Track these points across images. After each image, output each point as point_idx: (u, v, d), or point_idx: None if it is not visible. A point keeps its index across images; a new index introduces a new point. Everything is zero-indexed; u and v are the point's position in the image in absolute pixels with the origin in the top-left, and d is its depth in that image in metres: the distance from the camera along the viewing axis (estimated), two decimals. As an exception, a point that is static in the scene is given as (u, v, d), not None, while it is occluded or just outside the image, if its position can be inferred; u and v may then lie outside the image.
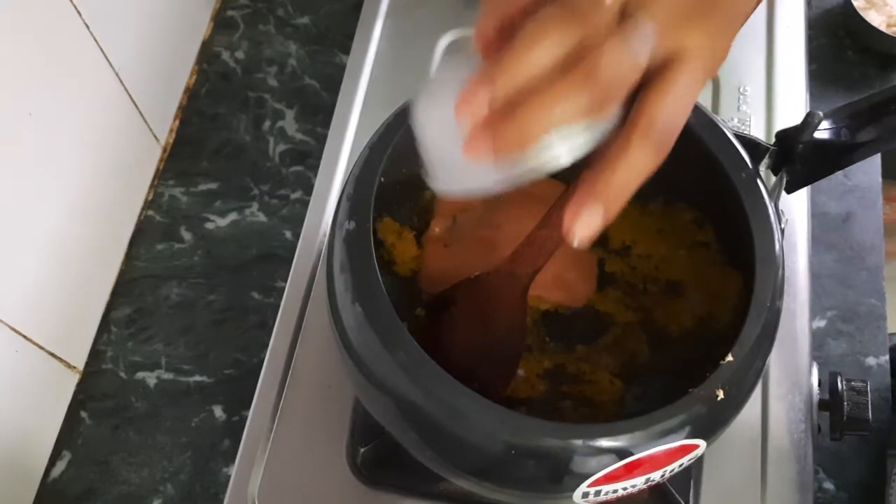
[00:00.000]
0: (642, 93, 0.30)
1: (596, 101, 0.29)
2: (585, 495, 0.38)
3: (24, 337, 0.54)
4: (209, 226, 0.66)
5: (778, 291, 0.41)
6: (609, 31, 0.29)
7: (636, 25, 0.29)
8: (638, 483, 0.39)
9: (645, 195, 0.51)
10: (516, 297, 0.45)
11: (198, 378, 0.61)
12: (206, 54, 0.74)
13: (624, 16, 0.30)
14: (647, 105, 0.30)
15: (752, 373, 0.40)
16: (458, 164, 0.32)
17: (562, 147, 0.31)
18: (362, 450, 0.51)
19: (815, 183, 0.49)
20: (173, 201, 0.67)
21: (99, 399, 0.61)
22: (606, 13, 0.29)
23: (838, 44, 0.72)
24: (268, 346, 0.55)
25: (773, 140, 0.47)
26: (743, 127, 0.62)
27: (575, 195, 0.30)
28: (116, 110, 0.62)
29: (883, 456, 0.57)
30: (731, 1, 0.31)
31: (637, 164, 0.30)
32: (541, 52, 0.29)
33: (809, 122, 0.44)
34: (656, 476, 0.39)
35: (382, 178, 0.43)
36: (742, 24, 0.33)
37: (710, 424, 0.39)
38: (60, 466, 0.59)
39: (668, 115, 0.30)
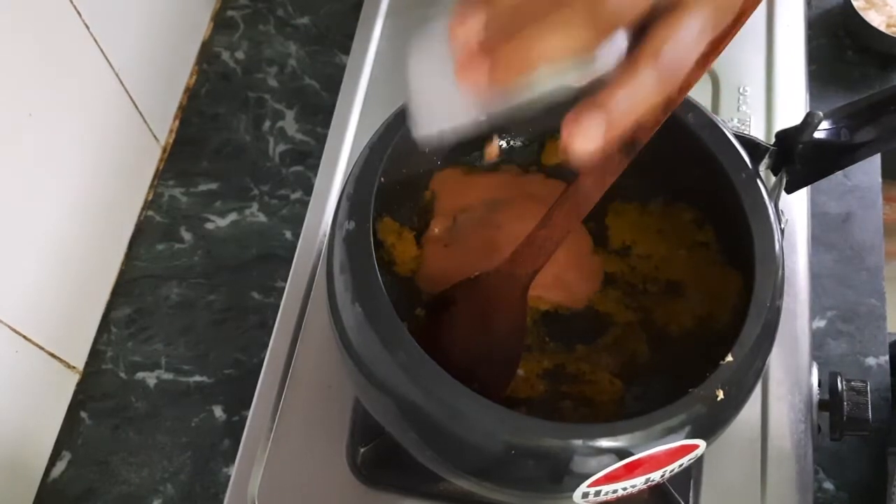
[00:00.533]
0: (653, 24, 0.29)
1: (600, 26, 0.28)
2: (585, 495, 0.38)
3: (24, 337, 0.54)
4: (209, 226, 0.66)
5: (778, 291, 0.41)
6: None
7: None
8: (638, 483, 0.39)
9: (645, 195, 0.51)
10: (516, 298, 0.45)
11: (198, 378, 0.61)
12: (206, 54, 0.74)
13: None
14: (656, 33, 0.29)
15: (752, 373, 0.40)
16: (444, 101, 0.30)
17: (556, 78, 0.29)
18: (362, 450, 0.51)
19: (815, 183, 0.49)
20: (173, 201, 0.67)
21: (99, 399, 0.61)
22: None
23: (838, 44, 0.72)
24: (268, 346, 0.55)
25: (772, 140, 0.47)
26: (743, 127, 0.62)
27: (578, 105, 0.29)
28: (116, 110, 0.62)
29: (883, 456, 0.57)
30: None
31: (642, 88, 0.29)
32: None
33: (809, 122, 0.44)
34: (656, 476, 0.39)
35: (382, 178, 0.43)
36: None
37: (710, 424, 0.39)
38: (60, 466, 0.59)
39: (675, 45, 0.29)
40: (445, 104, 0.30)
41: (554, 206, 0.41)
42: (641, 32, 0.30)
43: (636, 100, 0.29)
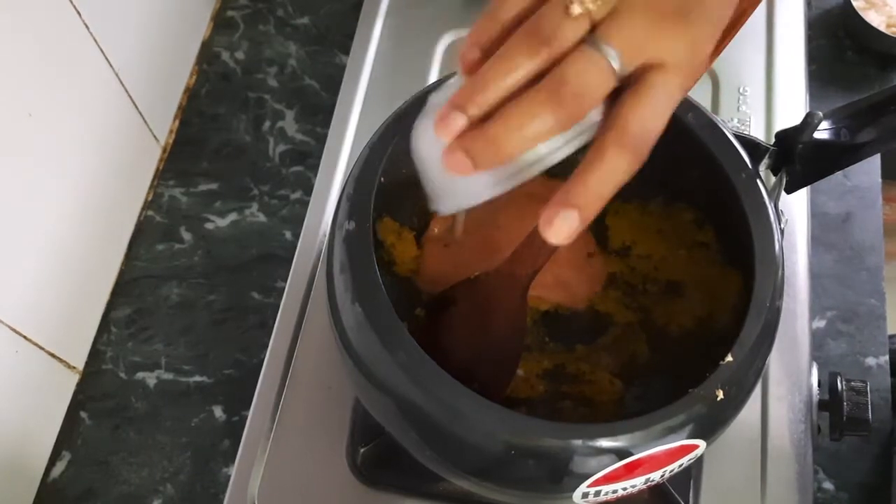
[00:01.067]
0: (618, 100, 0.31)
1: (566, 112, 0.30)
2: (585, 495, 0.38)
3: (24, 337, 0.54)
4: (209, 226, 0.66)
5: (778, 291, 0.41)
6: (576, 45, 0.30)
7: (600, 37, 0.30)
8: (638, 483, 0.39)
9: (645, 195, 0.51)
10: (516, 298, 0.45)
11: (198, 378, 0.61)
12: (206, 54, 0.74)
13: (594, 30, 0.30)
14: (621, 111, 0.30)
15: (752, 373, 0.40)
16: (453, 182, 0.33)
17: (542, 152, 0.32)
18: (362, 450, 0.51)
19: (815, 183, 0.49)
20: (173, 201, 0.67)
21: (99, 399, 0.61)
22: (574, 29, 0.30)
23: (838, 44, 0.72)
24: (268, 346, 0.55)
25: (772, 140, 0.47)
26: (743, 127, 0.62)
27: (551, 200, 0.31)
28: (116, 110, 0.62)
29: (883, 455, 0.57)
30: (707, 8, 0.31)
31: (612, 169, 0.30)
32: (509, 71, 0.30)
33: (809, 123, 0.44)
34: (656, 476, 0.39)
35: (382, 178, 0.43)
36: (719, 31, 0.33)
37: (710, 424, 0.39)
38: (60, 466, 0.59)
39: (642, 121, 0.30)
40: (458, 182, 0.33)
41: None
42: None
43: (607, 182, 0.31)
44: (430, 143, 0.33)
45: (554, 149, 0.31)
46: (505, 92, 0.30)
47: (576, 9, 0.30)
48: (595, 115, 0.31)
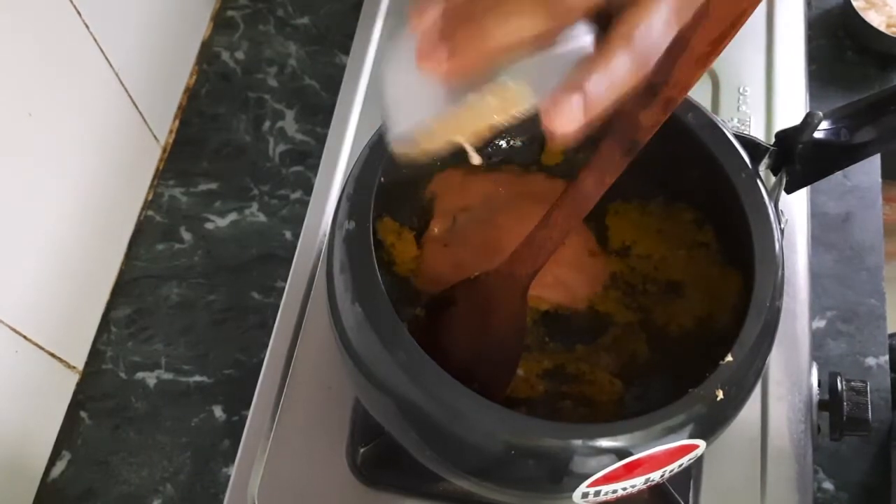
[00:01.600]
0: (618, 15, 0.30)
1: (554, 12, 0.29)
2: (585, 495, 0.38)
3: (24, 337, 0.54)
4: (209, 226, 0.66)
5: (778, 291, 0.41)
6: None
7: None
8: (637, 483, 0.39)
9: (645, 195, 0.51)
10: (516, 298, 0.45)
11: (198, 378, 0.61)
12: (206, 54, 0.74)
13: None
14: (626, 17, 0.30)
15: (752, 373, 0.40)
16: (413, 97, 0.31)
17: (518, 71, 0.30)
18: (362, 450, 0.51)
19: (815, 183, 0.49)
20: (173, 201, 0.67)
21: (99, 399, 0.61)
22: None
23: (838, 44, 0.72)
24: (268, 346, 0.55)
25: (772, 140, 0.47)
26: (743, 127, 0.62)
27: (552, 91, 0.30)
28: (116, 110, 0.62)
29: (882, 455, 0.57)
30: None
31: (616, 69, 0.29)
32: None
33: (809, 123, 0.44)
34: (656, 476, 0.39)
35: (382, 178, 0.43)
36: None
37: (710, 424, 0.39)
38: (60, 466, 0.59)
39: (647, 28, 0.30)
40: (414, 99, 0.31)
41: (554, 206, 0.41)
42: (606, 26, 0.30)
43: (611, 82, 0.29)
44: (399, 67, 0.31)
45: (529, 70, 0.30)
46: None
47: None
48: (579, 28, 0.30)
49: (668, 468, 0.39)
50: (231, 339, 0.62)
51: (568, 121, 0.29)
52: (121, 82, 0.61)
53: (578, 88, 0.29)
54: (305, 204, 0.61)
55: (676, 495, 0.49)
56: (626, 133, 0.35)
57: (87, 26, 0.56)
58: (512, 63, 0.30)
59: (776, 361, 0.53)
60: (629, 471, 0.38)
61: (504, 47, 0.29)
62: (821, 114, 0.44)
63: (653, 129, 0.36)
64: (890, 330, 0.62)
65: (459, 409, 0.37)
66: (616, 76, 0.30)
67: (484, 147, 0.53)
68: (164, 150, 0.70)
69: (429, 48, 0.29)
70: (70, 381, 0.61)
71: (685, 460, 0.39)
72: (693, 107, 0.46)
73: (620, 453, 0.37)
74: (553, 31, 0.29)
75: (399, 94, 0.32)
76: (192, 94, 0.72)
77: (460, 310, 0.47)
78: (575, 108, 0.29)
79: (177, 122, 0.71)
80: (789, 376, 0.53)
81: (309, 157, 0.69)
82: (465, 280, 0.47)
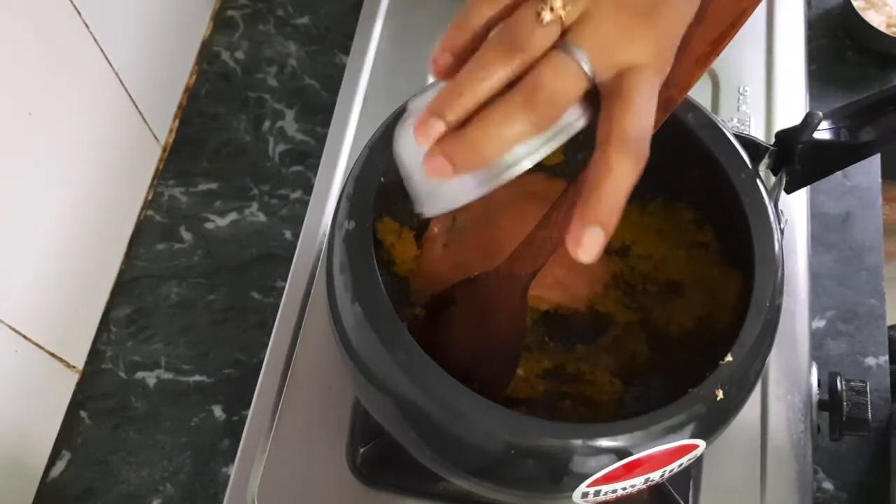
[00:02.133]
0: (605, 109, 0.32)
1: (541, 115, 0.31)
2: (585, 495, 0.38)
3: (24, 337, 0.54)
4: (209, 226, 0.66)
5: (777, 291, 0.41)
6: (548, 50, 0.31)
7: (571, 41, 0.31)
8: (637, 483, 0.39)
9: (645, 195, 0.51)
10: (516, 298, 0.45)
11: (197, 378, 0.61)
12: (206, 54, 0.74)
13: (564, 34, 0.31)
14: (614, 118, 0.31)
15: (752, 373, 0.40)
16: (436, 185, 0.33)
17: (520, 154, 0.32)
18: (362, 450, 0.51)
19: (815, 183, 0.49)
20: (173, 201, 0.67)
21: (99, 399, 0.61)
22: (545, 35, 0.31)
23: (838, 44, 0.72)
24: (268, 346, 0.55)
25: (772, 140, 0.47)
26: (743, 127, 0.62)
27: (572, 221, 0.32)
28: (116, 110, 0.62)
29: (882, 454, 0.57)
30: (673, 6, 0.33)
31: (621, 176, 0.31)
32: (485, 77, 0.31)
33: (809, 123, 0.44)
34: (656, 476, 0.39)
35: (382, 178, 0.43)
36: (685, 26, 0.34)
37: (710, 424, 0.39)
38: (60, 466, 0.59)
39: (636, 122, 0.31)
40: (441, 185, 0.33)
41: (553, 206, 0.41)
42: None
43: (620, 190, 0.31)
44: (411, 148, 0.34)
45: (532, 149, 0.32)
46: (481, 97, 0.31)
47: (546, 15, 0.31)
48: (570, 115, 0.32)
49: (668, 468, 0.39)
50: (231, 339, 0.62)
51: (596, 248, 0.32)
52: (121, 82, 0.61)
53: (595, 221, 0.31)
54: (305, 204, 0.61)
55: (676, 495, 0.49)
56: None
57: (87, 26, 0.56)
58: (514, 150, 0.32)
59: (776, 361, 0.53)
60: (629, 471, 0.38)
61: (500, 152, 0.31)
62: (821, 114, 0.44)
63: (653, 131, 0.36)
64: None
65: (459, 408, 0.37)
66: (622, 181, 0.31)
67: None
68: (164, 150, 0.70)
69: (431, 155, 0.32)
70: (70, 381, 0.61)
71: (685, 460, 0.39)
72: (693, 107, 0.46)
73: (620, 453, 0.37)
74: (544, 126, 0.31)
75: (421, 178, 0.34)
76: (192, 94, 0.72)
77: (460, 310, 0.47)
78: (596, 241, 0.32)
79: (177, 122, 0.71)
80: (789, 376, 0.53)
81: (309, 156, 0.69)
82: (464, 280, 0.47)
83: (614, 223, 0.32)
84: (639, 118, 0.31)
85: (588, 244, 0.32)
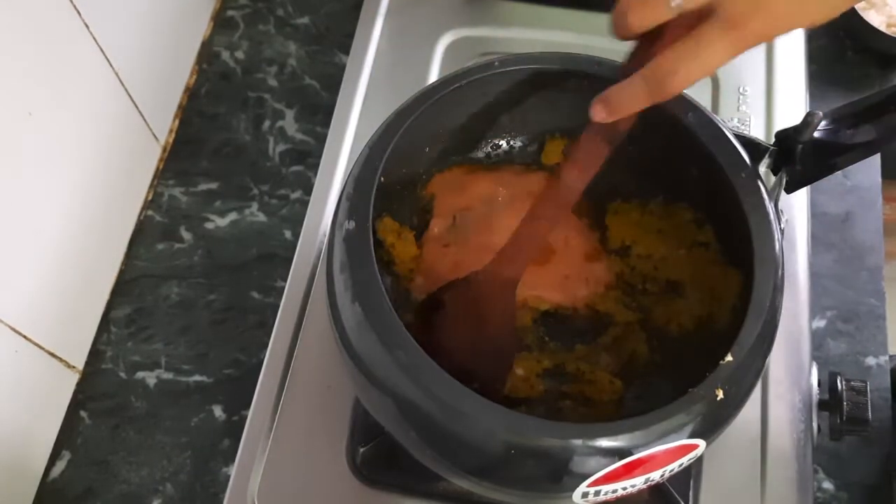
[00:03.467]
0: (665, 36, 0.36)
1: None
2: (585, 495, 0.38)
3: (24, 337, 0.54)
4: (209, 226, 0.66)
5: (777, 291, 0.41)
6: None
7: None
8: (637, 483, 0.39)
9: (645, 195, 0.51)
10: (505, 296, 0.45)
11: (197, 378, 0.61)
12: (206, 54, 0.74)
13: None
14: (658, 50, 0.36)
15: (752, 373, 0.40)
16: None
17: None
18: (362, 450, 0.51)
19: (815, 183, 0.49)
20: (173, 201, 0.67)
21: (99, 399, 0.61)
22: None
23: (838, 44, 0.72)
24: (268, 346, 0.55)
25: (772, 140, 0.47)
26: (743, 127, 0.62)
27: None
28: (116, 110, 0.62)
29: (881, 454, 0.57)
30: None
31: (631, 93, 0.37)
32: None
33: (809, 122, 0.44)
34: (656, 476, 0.39)
35: (382, 178, 0.43)
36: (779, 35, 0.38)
37: (710, 424, 0.39)
38: (60, 466, 0.59)
39: (668, 66, 0.36)
40: None
41: (538, 199, 0.41)
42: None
43: (625, 101, 0.38)
44: None
45: None
46: None
47: None
48: None
49: (668, 468, 0.39)
50: (231, 339, 0.62)
51: (599, 115, 0.39)
52: (121, 82, 0.61)
53: (603, 100, 0.38)
54: (305, 204, 0.61)
55: (676, 495, 0.49)
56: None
57: (87, 26, 0.56)
58: None
59: (776, 361, 0.53)
60: (629, 470, 0.38)
61: None
62: (821, 114, 0.44)
63: (633, 119, 0.37)
64: (890, 330, 0.61)
65: (459, 408, 0.37)
66: (629, 98, 0.38)
67: (484, 146, 0.53)
68: (164, 150, 0.70)
69: None
70: (70, 381, 0.61)
71: (685, 460, 0.39)
72: (693, 107, 0.46)
73: (620, 453, 0.37)
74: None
75: None
76: (192, 94, 0.72)
77: (455, 309, 0.47)
78: (602, 109, 0.39)
79: (177, 122, 0.71)
80: (789, 376, 0.53)
81: (309, 156, 0.69)
82: (457, 279, 0.47)
83: (617, 115, 0.38)
84: (674, 64, 0.36)
85: (597, 108, 0.38)
